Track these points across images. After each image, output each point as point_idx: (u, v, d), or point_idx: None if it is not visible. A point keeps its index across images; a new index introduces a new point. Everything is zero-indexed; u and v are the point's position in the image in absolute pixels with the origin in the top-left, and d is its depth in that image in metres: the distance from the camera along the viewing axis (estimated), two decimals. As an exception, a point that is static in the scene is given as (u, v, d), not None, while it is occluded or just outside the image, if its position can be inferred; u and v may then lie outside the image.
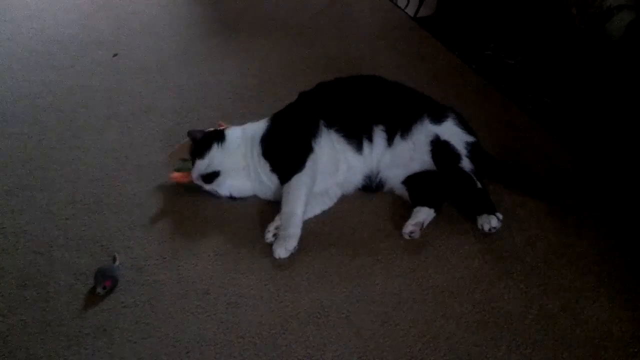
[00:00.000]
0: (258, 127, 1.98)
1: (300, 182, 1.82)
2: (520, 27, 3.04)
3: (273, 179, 1.89)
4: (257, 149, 1.91)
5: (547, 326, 1.53)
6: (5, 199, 1.93)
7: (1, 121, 2.35)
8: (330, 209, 1.92)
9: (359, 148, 1.93)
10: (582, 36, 2.61)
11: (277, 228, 1.78)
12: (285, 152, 1.89)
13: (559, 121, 2.37)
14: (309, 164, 1.85)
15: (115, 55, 2.87)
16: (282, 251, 1.71)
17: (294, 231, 1.74)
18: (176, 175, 1.94)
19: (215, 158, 1.90)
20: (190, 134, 1.99)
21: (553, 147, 2.21)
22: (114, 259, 1.69)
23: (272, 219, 1.81)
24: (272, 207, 1.87)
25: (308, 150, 1.87)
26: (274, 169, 1.88)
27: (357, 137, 1.93)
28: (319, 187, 1.90)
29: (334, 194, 1.94)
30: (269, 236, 1.77)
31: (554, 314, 1.56)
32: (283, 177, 1.85)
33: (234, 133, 1.97)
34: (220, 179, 1.89)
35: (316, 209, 1.90)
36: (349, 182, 1.96)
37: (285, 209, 1.79)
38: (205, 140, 1.93)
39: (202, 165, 1.89)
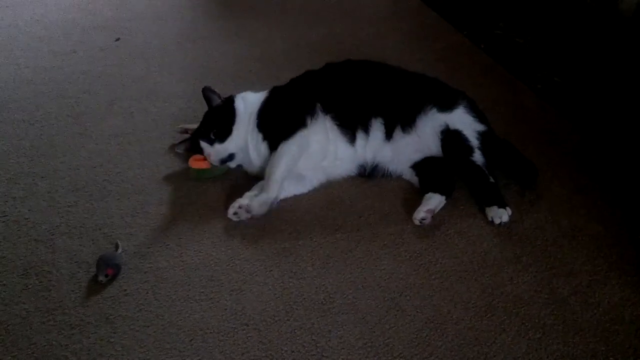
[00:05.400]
0: (257, 100, 1.98)
1: (286, 149, 1.84)
2: (530, 5, 2.98)
3: (262, 149, 1.90)
4: (253, 121, 1.93)
5: (557, 310, 1.50)
6: (7, 187, 1.92)
7: (3, 108, 2.34)
8: (330, 193, 1.90)
9: (352, 140, 1.91)
10: (593, 14, 2.55)
11: (240, 207, 1.75)
12: (278, 122, 1.90)
13: (569, 101, 2.33)
14: (298, 135, 1.86)
15: (117, 39, 2.85)
16: (255, 207, 1.74)
17: (269, 189, 1.76)
18: (194, 161, 1.93)
19: (232, 141, 1.91)
20: (205, 91, 1.95)
21: (563, 127, 2.17)
22: (117, 247, 1.67)
23: (277, 206, 1.80)
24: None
25: (301, 123, 1.87)
26: (266, 137, 1.90)
27: (351, 128, 1.91)
28: (303, 167, 1.88)
29: (316, 179, 1.91)
30: (231, 212, 1.76)
31: (564, 298, 1.53)
32: (272, 144, 1.87)
33: (240, 107, 1.95)
34: (235, 160, 1.93)
35: (291, 190, 1.87)
36: (336, 170, 1.94)
37: (267, 172, 1.81)
38: (221, 120, 1.92)
39: (223, 151, 1.90)
